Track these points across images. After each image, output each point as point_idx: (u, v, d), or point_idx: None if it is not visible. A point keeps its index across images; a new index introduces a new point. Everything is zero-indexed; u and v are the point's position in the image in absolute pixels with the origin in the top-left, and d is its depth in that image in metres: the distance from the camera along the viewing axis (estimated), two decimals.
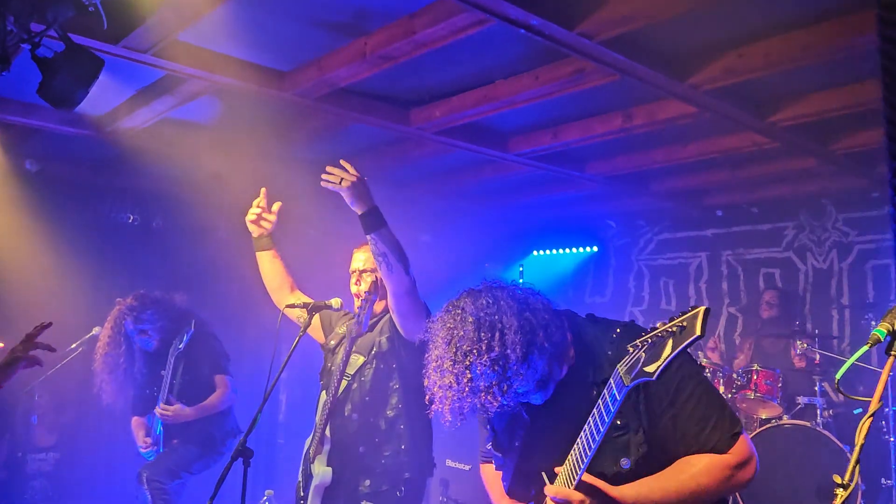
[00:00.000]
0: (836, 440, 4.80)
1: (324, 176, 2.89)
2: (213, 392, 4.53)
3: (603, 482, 1.82)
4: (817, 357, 5.49)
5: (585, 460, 1.76)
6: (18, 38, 2.51)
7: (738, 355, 6.49)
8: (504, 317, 1.87)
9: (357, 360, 3.24)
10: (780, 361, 5.78)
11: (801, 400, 5.39)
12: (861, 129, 4.81)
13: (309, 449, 3.27)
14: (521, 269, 8.31)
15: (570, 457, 1.83)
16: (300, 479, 3.30)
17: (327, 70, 3.82)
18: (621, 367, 1.73)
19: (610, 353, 1.90)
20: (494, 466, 2.23)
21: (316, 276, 4.35)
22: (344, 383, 3.23)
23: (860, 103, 4.14)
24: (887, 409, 5.00)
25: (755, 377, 5.48)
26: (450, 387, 1.86)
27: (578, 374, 1.96)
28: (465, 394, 1.85)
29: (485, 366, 1.82)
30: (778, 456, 4.87)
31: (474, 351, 1.83)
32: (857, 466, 1.56)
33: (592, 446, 1.75)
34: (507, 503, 2.14)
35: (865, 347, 1.62)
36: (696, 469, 1.83)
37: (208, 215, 6.06)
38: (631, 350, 1.74)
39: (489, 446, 2.21)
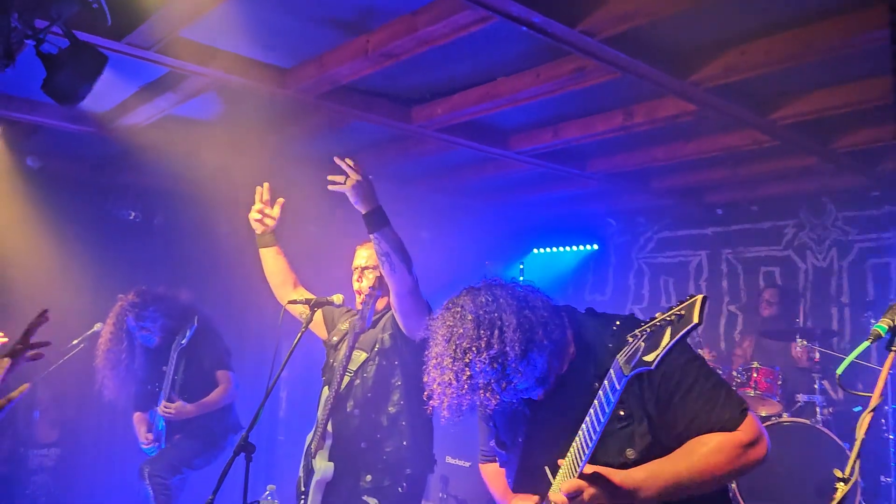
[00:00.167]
0: (835, 438, 4.81)
1: (330, 177, 2.91)
2: (215, 388, 4.54)
3: (606, 469, 1.81)
4: (817, 355, 5.50)
5: (587, 451, 1.77)
6: (23, 34, 2.51)
7: (738, 353, 6.50)
8: (503, 314, 1.88)
9: (359, 356, 3.26)
10: (780, 359, 5.80)
11: (801, 398, 5.41)
12: (862, 127, 4.82)
13: (310, 444, 3.28)
14: (521, 266, 8.32)
15: (571, 449, 1.84)
16: (301, 474, 3.31)
17: (329, 67, 3.83)
18: (621, 357, 1.74)
19: (610, 346, 1.91)
20: (498, 464, 2.24)
21: (317, 272, 4.37)
22: (346, 379, 3.25)
23: (861, 101, 4.15)
24: (887, 407, 5.02)
25: (755, 375, 5.49)
26: (449, 384, 1.87)
27: (579, 369, 1.97)
28: (464, 391, 1.86)
29: (484, 363, 1.83)
30: (777, 453, 4.85)
31: (473, 348, 1.84)
32: (858, 461, 1.57)
33: (594, 437, 1.75)
34: (511, 500, 2.14)
35: (866, 343, 1.64)
36: (707, 448, 1.83)
37: (210, 212, 6.06)
38: (630, 340, 1.75)
39: (492, 443, 2.21)
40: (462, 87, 4.34)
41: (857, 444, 1.57)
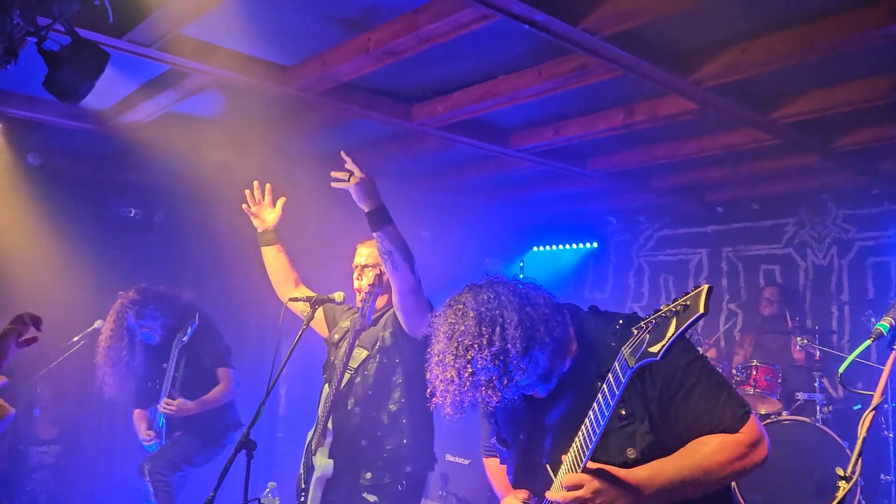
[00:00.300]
0: (835, 436, 4.82)
1: (333, 173, 2.91)
2: (215, 385, 4.54)
3: (610, 466, 1.82)
4: (817, 353, 5.51)
5: (590, 448, 1.77)
6: (25, 31, 2.51)
7: (738, 351, 6.51)
8: (505, 312, 1.88)
9: (360, 353, 3.26)
10: (780, 357, 5.80)
11: (801, 396, 5.42)
12: (862, 126, 4.82)
13: (311, 441, 3.29)
14: (521, 264, 8.32)
15: (573, 446, 1.84)
16: (301, 471, 3.31)
17: (330, 65, 3.83)
18: (626, 350, 1.73)
19: (613, 344, 1.91)
20: (499, 460, 2.25)
21: (318, 270, 4.36)
22: (347, 377, 3.25)
23: (862, 100, 4.15)
24: (886, 406, 5.02)
25: (755, 373, 5.50)
26: (451, 381, 1.88)
27: (582, 367, 1.97)
28: (466, 388, 1.87)
29: (486, 360, 1.84)
30: (777, 452, 4.85)
31: (475, 345, 1.85)
32: (860, 459, 1.57)
33: (597, 432, 1.75)
34: (512, 496, 2.15)
35: (868, 341, 1.64)
36: (708, 448, 1.83)
37: (210, 210, 6.06)
38: (635, 332, 1.74)
39: (493, 440, 2.22)
40: (463, 85, 4.34)
41: (860, 442, 1.57)
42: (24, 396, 5.46)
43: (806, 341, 5.59)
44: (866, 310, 5.74)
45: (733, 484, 4.87)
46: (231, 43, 3.75)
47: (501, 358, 1.84)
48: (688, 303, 1.62)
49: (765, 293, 6.48)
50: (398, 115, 4.65)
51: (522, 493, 2.05)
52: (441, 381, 1.91)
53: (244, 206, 3.59)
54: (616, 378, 1.74)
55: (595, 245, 8.25)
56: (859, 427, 1.61)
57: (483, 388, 1.86)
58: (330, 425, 3.22)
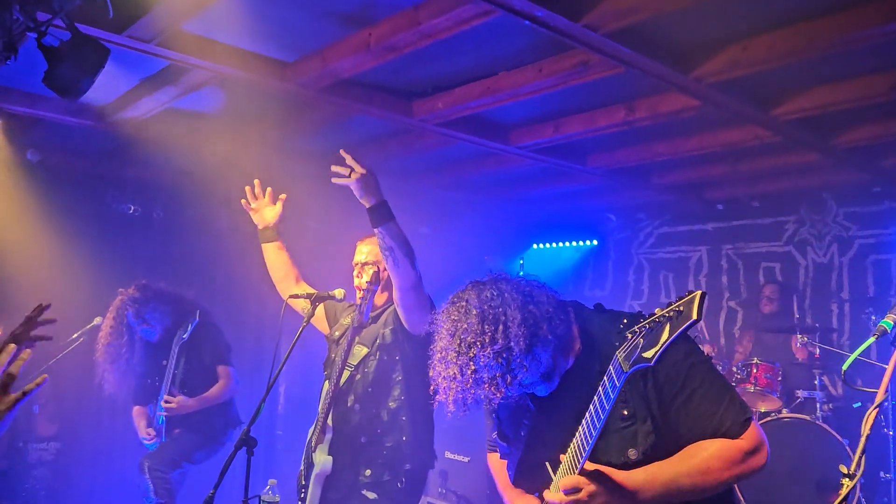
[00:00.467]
0: (835, 434, 4.82)
1: (334, 168, 2.90)
2: (215, 382, 4.54)
3: (608, 468, 1.82)
4: (817, 351, 5.51)
5: (587, 448, 1.77)
6: (24, 26, 2.50)
7: (738, 349, 6.51)
8: (508, 309, 1.88)
9: (361, 351, 3.26)
10: (780, 355, 5.80)
11: (801, 394, 5.41)
12: (863, 123, 4.81)
13: (311, 438, 3.28)
14: (521, 262, 8.32)
15: (572, 445, 1.85)
16: (302, 467, 3.31)
17: (331, 61, 3.82)
18: (620, 354, 1.74)
19: (617, 343, 1.91)
20: (499, 455, 2.25)
21: (318, 267, 4.36)
22: (346, 374, 3.25)
23: (863, 97, 4.14)
24: (886, 403, 5.02)
25: (755, 371, 5.50)
26: (454, 378, 1.88)
27: (584, 366, 1.96)
28: (468, 385, 1.87)
29: (488, 358, 1.83)
30: (777, 449, 4.83)
31: (478, 343, 1.84)
32: (863, 457, 1.57)
33: (594, 433, 1.76)
34: (513, 493, 2.15)
35: (872, 339, 1.64)
36: (707, 453, 1.83)
37: (210, 206, 6.05)
38: (630, 336, 1.75)
39: (494, 435, 2.22)
40: (464, 82, 4.32)
41: (863, 439, 1.57)
42: None
43: (806, 339, 5.59)
44: (866, 308, 5.73)
45: None
46: (231, 39, 3.74)
47: (504, 356, 1.84)
48: (681, 308, 1.63)
49: (765, 291, 6.48)
50: (399, 111, 4.64)
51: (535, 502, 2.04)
52: (444, 378, 1.91)
53: (243, 201, 3.59)
54: (611, 382, 1.74)
55: (595, 243, 8.24)
56: (863, 424, 1.61)
57: (486, 386, 1.86)
58: (330, 422, 3.22)
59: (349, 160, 2.90)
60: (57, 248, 5.55)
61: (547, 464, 1.96)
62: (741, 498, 4.94)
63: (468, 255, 7.50)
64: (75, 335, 4.98)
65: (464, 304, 1.93)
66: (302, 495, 3.23)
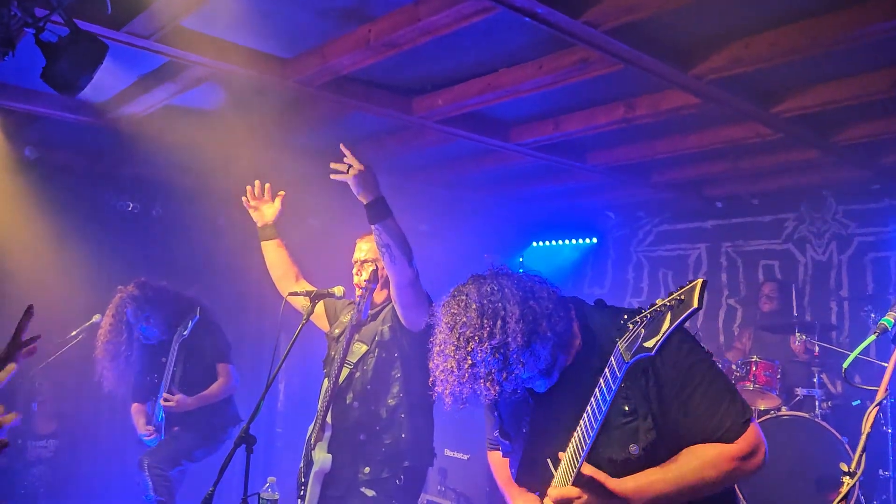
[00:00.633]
0: (834, 431, 4.82)
1: (332, 165, 2.89)
2: (214, 380, 4.53)
3: (602, 474, 1.82)
4: (816, 349, 5.50)
5: (587, 444, 1.77)
6: (22, 22, 2.49)
7: (737, 346, 6.51)
8: (507, 304, 1.87)
9: (360, 348, 3.26)
10: (779, 353, 5.80)
11: (800, 391, 5.41)
12: (864, 120, 4.81)
13: (311, 436, 3.28)
14: (520, 259, 8.31)
15: (572, 441, 1.84)
16: (302, 465, 3.31)
17: (330, 57, 3.81)
18: (621, 344, 1.74)
19: (617, 339, 1.91)
20: (501, 453, 2.24)
21: (318, 264, 4.35)
22: (345, 371, 3.24)
23: (864, 94, 4.13)
24: (885, 401, 5.02)
25: (754, 369, 5.49)
26: (451, 372, 1.88)
27: (584, 362, 1.96)
28: (465, 379, 1.86)
29: (486, 352, 1.83)
30: (776, 447, 4.83)
31: (476, 337, 1.84)
32: (864, 455, 1.57)
33: (594, 427, 1.75)
34: (514, 490, 2.14)
35: (873, 336, 1.63)
36: (700, 461, 1.83)
37: (209, 203, 6.04)
38: (631, 327, 1.74)
39: (496, 433, 2.21)
40: (464, 78, 4.31)
41: (864, 437, 1.56)
42: (23, 391, 5.45)
43: (805, 337, 5.58)
44: (865, 305, 5.72)
45: None
46: (230, 35, 3.73)
47: (502, 351, 1.83)
48: (682, 297, 1.63)
49: (764, 289, 6.47)
50: (398, 108, 4.63)
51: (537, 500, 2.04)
52: (441, 371, 1.91)
53: (243, 198, 3.58)
54: (612, 373, 1.74)
55: (594, 240, 8.24)
56: (863, 423, 1.60)
57: (482, 381, 1.86)
58: (329, 420, 3.21)
59: (348, 156, 2.89)
60: (55, 245, 5.54)
61: (549, 461, 1.95)
62: (740, 496, 4.95)
63: (468, 252, 7.49)
64: (74, 333, 4.98)
65: (464, 297, 1.92)
66: (301, 493, 3.22)
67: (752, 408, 5.47)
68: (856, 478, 1.61)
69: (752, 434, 1.85)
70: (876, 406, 1.59)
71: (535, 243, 8.64)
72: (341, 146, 2.91)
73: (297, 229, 4.91)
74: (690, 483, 1.82)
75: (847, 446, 4.72)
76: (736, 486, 4.85)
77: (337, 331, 3.41)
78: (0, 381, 1.88)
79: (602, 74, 3.88)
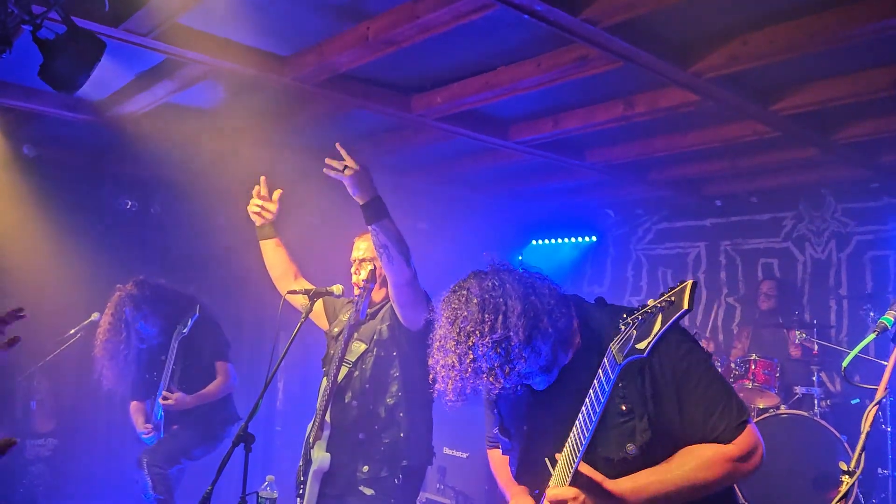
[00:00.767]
0: (833, 430, 4.82)
1: (327, 161, 2.87)
2: (213, 378, 4.53)
3: (599, 475, 1.82)
4: (815, 347, 5.50)
5: (582, 446, 1.77)
6: (20, 19, 2.48)
7: (736, 345, 6.51)
8: (508, 300, 1.86)
9: (359, 347, 3.25)
10: (778, 351, 5.80)
11: (799, 390, 5.41)
12: (863, 118, 4.80)
13: (310, 434, 3.28)
14: (520, 258, 8.31)
15: (569, 441, 1.84)
16: (301, 463, 3.30)
17: (328, 55, 3.80)
18: (614, 346, 1.74)
19: (613, 336, 1.90)
20: (501, 451, 2.24)
21: (316, 262, 4.34)
22: (344, 370, 3.24)
23: (863, 92, 4.13)
24: (884, 400, 5.02)
25: (753, 367, 5.49)
26: (452, 367, 1.87)
27: (584, 360, 1.95)
28: (467, 374, 1.85)
29: (487, 347, 1.82)
30: (775, 445, 4.89)
31: (477, 332, 1.83)
32: (863, 454, 1.56)
33: (590, 427, 1.75)
34: (514, 488, 2.14)
35: (872, 335, 1.63)
36: (696, 462, 1.83)
37: (207, 201, 6.03)
38: (623, 328, 1.74)
39: (496, 431, 2.21)
40: (462, 76, 4.31)
41: (863, 436, 1.56)
42: (21, 389, 5.45)
43: (804, 335, 5.58)
44: (864, 304, 5.73)
45: None
46: (228, 32, 3.72)
47: (503, 346, 1.82)
48: (672, 299, 1.64)
49: (762, 288, 6.47)
50: (397, 106, 4.62)
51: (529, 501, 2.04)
52: (442, 366, 1.90)
53: (250, 207, 3.50)
54: (605, 374, 1.74)
55: (594, 239, 8.24)
56: (863, 421, 1.60)
57: (484, 376, 1.85)
58: (328, 419, 3.21)
59: (344, 155, 2.87)
60: (54, 243, 5.53)
61: (546, 460, 1.95)
62: (739, 494, 4.95)
63: (467, 251, 7.49)
64: (72, 331, 4.98)
65: (465, 292, 1.91)
66: (300, 491, 3.22)
67: (751, 406, 5.48)
68: (855, 477, 1.61)
69: (749, 435, 1.85)
70: (875, 405, 1.59)
71: (534, 241, 8.64)
72: (337, 145, 2.90)
73: (295, 227, 4.90)
74: (687, 484, 1.82)
75: (846, 445, 4.72)
76: (735, 485, 4.89)
77: (336, 329, 3.41)
78: None
79: (601, 72, 3.87)
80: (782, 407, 5.28)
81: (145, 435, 4.52)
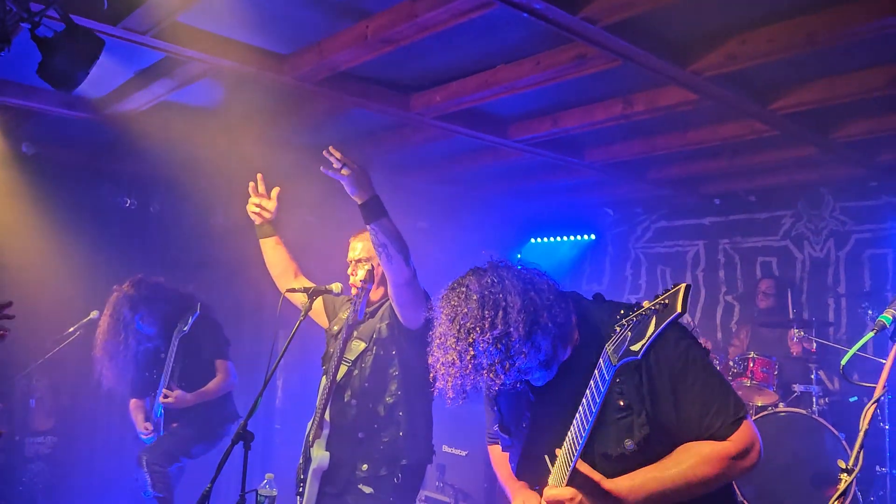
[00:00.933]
0: (831, 427, 4.83)
1: (325, 154, 2.86)
2: (213, 377, 4.54)
3: (597, 474, 1.82)
4: (813, 345, 5.51)
5: (579, 445, 1.78)
6: (18, 17, 2.48)
7: (735, 343, 6.52)
8: (508, 295, 1.87)
9: (358, 346, 3.25)
10: (777, 349, 5.81)
11: (797, 388, 5.42)
12: (861, 117, 4.81)
13: (309, 433, 3.28)
14: (519, 256, 8.31)
15: (567, 439, 1.84)
16: (301, 461, 3.31)
17: (328, 53, 3.80)
18: (609, 347, 1.75)
19: (610, 335, 1.91)
20: (501, 447, 2.24)
21: (316, 261, 4.35)
22: (343, 369, 3.24)
23: (862, 91, 4.13)
24: (882, 398, 5.02)
25: (751, 365, 5.50)
26: (453, 364, 1.87)
27: (582, 356, 1.96)
28: (468, 371, 1.86)
29: (488, 343, 1.83)
30: (773, 443, 4.90)
31: (477, 328, 1.84)
32: (862, 452, 1.57)
33: (587, 426, 1.76)
34: (515, 484, 2.14)
35: (871, 333, 1.64)
36: (694, 460, 1.83)
37: (206, 200, 6.03)
38: (618, 329, 1.75)
39: (496, 428, 2.21)
40: (461, 75, 4.31)
41: (861, 434, 1.57)
42: (20, 387, 5.45)
43: (802, 333, 5.59)
44: (863, 302, 5.74)
45: None
46: (227, 31, 3.72)
47: (504, 342, 1.83)
48: (666, 301, 1.65)
49: (761, 286, 6.48)
50: (396, 104, 4.62)
51: (534, 499, 2.05)
52: (442, 364, 1.90)
53: (249, 206, 3.52)
54: (601, 375, 1.75)
55: (592, 237, 8.24)
56: (861, 419, 1.61)
57: (485, 372, 1.86)
58: (327, 417, 3.21)
59: (339, 157, 2.83)
60: (53, 241, 5.53)
61: (546, 457, 1.95)
62: (738, 492, 4.95)
63: (466, 249, 7.49)
64: (71, 329, 4.98)
65: (464, 289, 1.92)
66: (300, 489, 3.23)
67: (750, 404, 5.48)
68: (853, 474, 1.61)
69: (746, 432, 1.85)
70: (874, 403, 1.59)
71: (533, 240, 8.64)
72: (330, 149, 2.87)
73: (294, 225, 4.91)
74: (684, 481, 1.82)
75: (844, 442, 4.72)
76: (734, 482, 4.89)
77: (336, 327, 3.41)
78: None
79: (600, 71, 3.87)
80: (781, 405, 5.29)
81: (145, 435, 4.52)
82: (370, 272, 3.23)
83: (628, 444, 1.86)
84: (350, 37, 3.66)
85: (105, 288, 4.68)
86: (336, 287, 3.15)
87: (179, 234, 6.22)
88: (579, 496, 1.81)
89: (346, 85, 4.33)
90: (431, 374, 1.95)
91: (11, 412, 5.53)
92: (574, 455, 1.79)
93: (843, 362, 1.63)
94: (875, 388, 1.71)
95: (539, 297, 1.89)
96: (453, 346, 1.86)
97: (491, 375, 1.85)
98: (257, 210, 3.48)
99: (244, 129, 5.18)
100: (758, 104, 4.37)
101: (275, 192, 3.52)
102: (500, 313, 1.84)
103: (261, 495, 2.86)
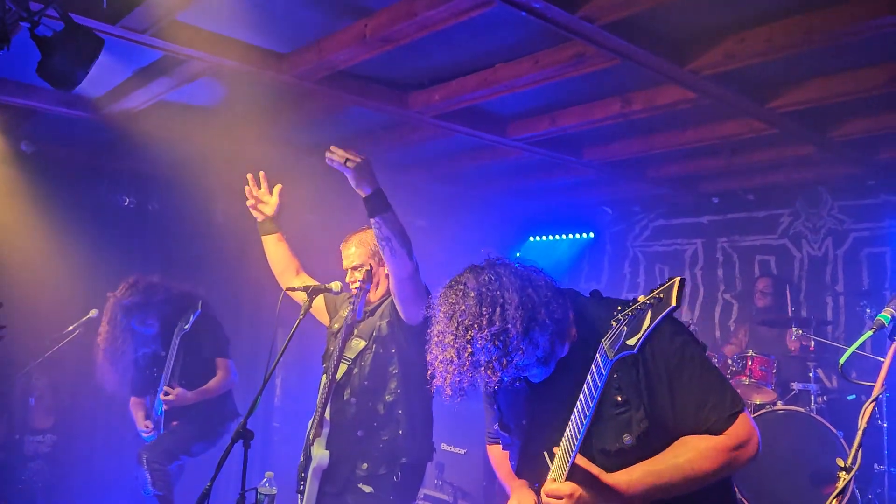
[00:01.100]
0: (829, 426, 4.84)
1: (329, 152, 2.86)
2: (213, 375, 4.54)
3: (596, 468, 1.83)
4: (812, 344, 5.52)
5: (577, 441, 1.78)
6: (17, 16, 2.48)
7: (733, 341, 6.53)
8: (506, 292, 1.87)
9: (358, 344, 3.25)
10: (775, 348, 5.81)
11: (796, 386, 5.43)
12: (859, 116, 4.81)
13: (310, 431, 3.28)
14: (517, 255, 8.32)
15: (565, 436, 1.85)
16: (302, 459, 3.31)
17: (327, 52, 3.80)
18: (605, 342, 1.75)
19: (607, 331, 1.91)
20: (501, 446, 2.25)
21: (315, 259, 4.34)
22: (343, 367, 3.25)
23: (860, 90, 4.14)
24: (881, 396, 5.03)
25: (750, 363, 5.51)
26: (451, 361, 1.87)
27: (580, 353, 1.96)
28: (465, 368, 1.86)
29: (486, 340, 1.83)
30: (771, 441, 4.90)
31: (475, 325, 1.84)
32: (860, 450, 1.58)
33: (584, 422, 1.76)
34: (515, 482, 2.15)
35: (870, 332, 1.64)
36: (692, 454, 1.84)
37: (205, 198, 6.03)
38: (614, 324, 1.75)
39: (495, 426, 2.21)
40: (460, 74, 4.31)
41: (860, 433, 1.57)
42: (20, 386, 5.45)
43: (801, 332, 5.60)
44: (861, 300, 5.75)
45: None
46: (226, 29, 3.72)
47: (501, 338, 1.83)
48: (661, 295, 1.65)
49: (758, 285, 6.49)
50: (395, 103, 4.62)
51: (531, 498, 2.05)
52: (440, 361, 1.90)
53: (248, 202, 3.53)
54: (598, 370, 1.75)
55: (591, 235, 8.25)
56: (860, 418, 1.61)
57: (483, 369, 1.86)
58: (327, 416, 3.21)
59: (341, 153, 2.83)
60: (52, 240, 5.52)
61: (545, 454, 1.96)
62: (736, 491, 4.96)
63: (465, 247, 7.49)
64: (71, 327, 4.98)
65: (461, 287, 1.92)
66: (301, 487, 3.23)
67: (748, 402, 5.49)
68: (852, 472, 1.62)
69: (743, 425, 1.86)
70: (872, 401, 1.60)
71: (531, 238, 8.64)
72: (332, 148, 2.86)
73: (294, 224, 4.89)
74: (682, 475, 1.83)
75: (842, 440, 4.74)
76: (732, 480, 4.90)
77: (336, 325, 3.41)
78: None
79: (598, 69, 3.88)
80: (779, 403, 5.30)
81: (145, 433, 4.53)
82: (368, 272, 3.23)
83: (626, 439, 1.86)
84: (349, 35, 3.66)
85: (104, 286, 4.67)
86: (335, 286, 3.15)
87: (178, 232, 6.22)
88: (578, 491, 1.81)
89: (346, 83, 4.33)
90: (429, 372, 1.95)
91: (11, 411, 5.53)
92: (572, 450, 1.79)
93: (841, 361, 1.63)
94: (873, 386, 1.72)
95: (536, 293, 1.90)
96: (451, 343, 1.86)
97: (489, 372, 1.86)
98: (253, 203, 3.50)
99: (243, 127, 5.18)
100: (756, 103, 4.38)
101: (276, 189, 3.52)
102: (498, 310, 1.84)
103: (260, 493, 2.86)
